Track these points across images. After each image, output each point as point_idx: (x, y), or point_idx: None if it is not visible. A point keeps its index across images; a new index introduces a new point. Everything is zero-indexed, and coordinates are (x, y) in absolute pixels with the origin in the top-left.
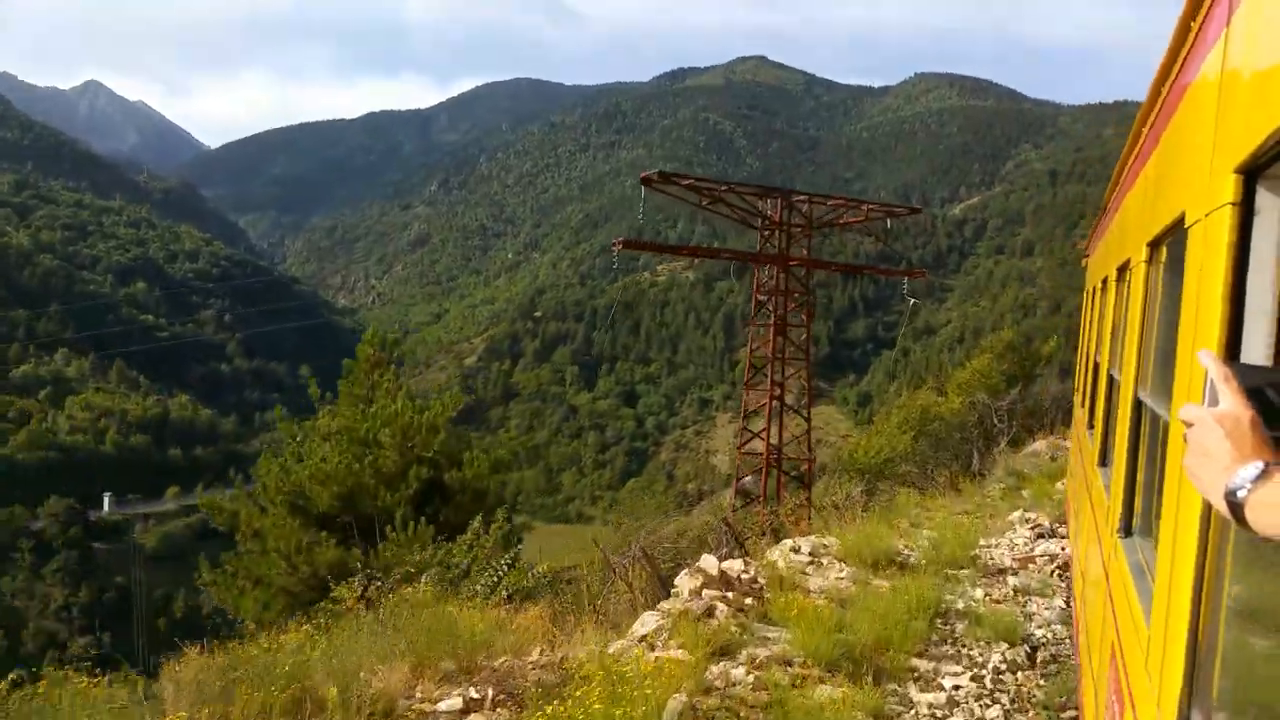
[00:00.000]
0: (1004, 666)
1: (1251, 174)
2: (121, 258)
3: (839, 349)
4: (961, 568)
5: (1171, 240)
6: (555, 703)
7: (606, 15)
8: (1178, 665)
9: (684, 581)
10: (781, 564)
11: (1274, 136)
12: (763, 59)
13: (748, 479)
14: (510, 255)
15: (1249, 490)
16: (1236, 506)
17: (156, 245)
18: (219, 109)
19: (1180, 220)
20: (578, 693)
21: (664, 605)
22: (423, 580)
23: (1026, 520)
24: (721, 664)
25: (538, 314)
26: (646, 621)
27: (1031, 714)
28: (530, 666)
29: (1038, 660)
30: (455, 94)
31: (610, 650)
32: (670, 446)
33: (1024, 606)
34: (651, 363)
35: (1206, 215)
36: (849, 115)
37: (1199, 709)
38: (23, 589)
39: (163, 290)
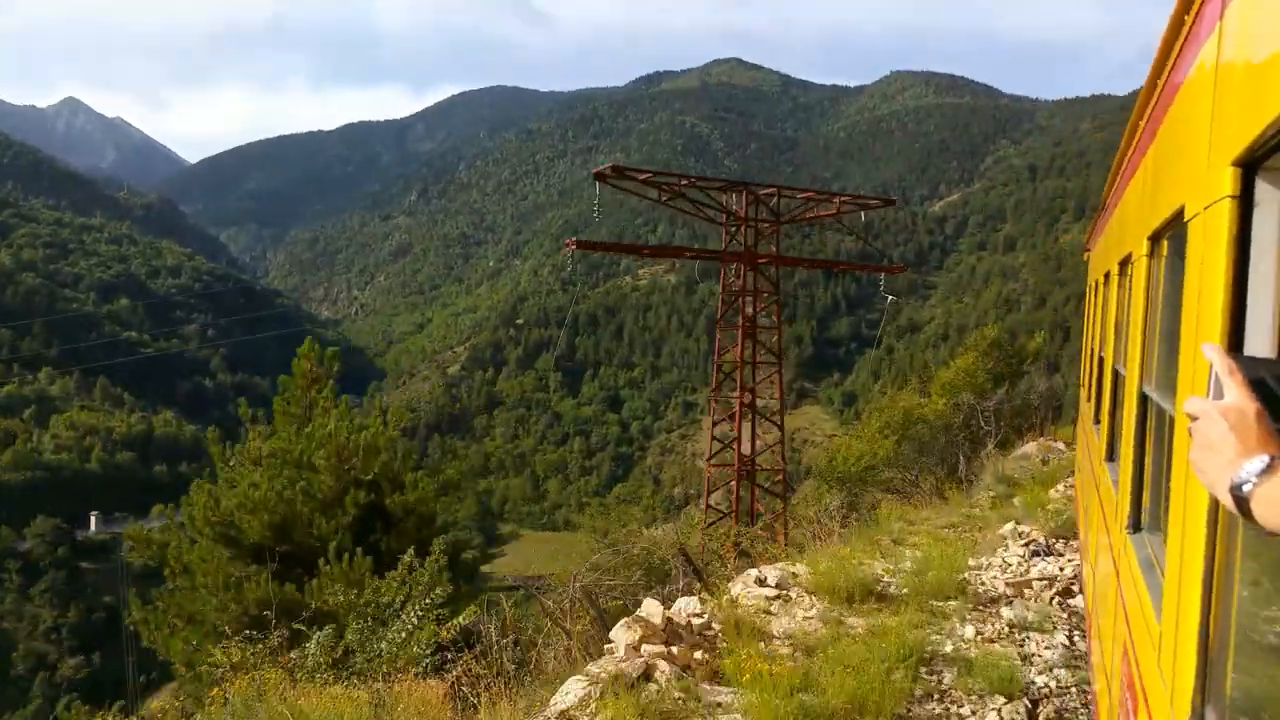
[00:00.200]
0: None
1: (1250, 167)
2: (103, 275)
3: (823, 348)
4: (949, 597)
5: (1172, 234)
6: None
7: (580, 20)
8: (1190, 661)
9: (620, 635)
10: (743, 601)
11: (1271, 129)
12: (738, 61)
13: (719, 493)
14: (492, 263)
15: (1255, 484)
16: (1242, 501)
17: (138, 261)
18: (197, 124)
19: (1180, 214)
20: None
21: (593, 668)
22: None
23: (1019, 534)
24: None
25: (520, 321)
26: (570, 691)
27: None
28: None
29: (1040, 718)
30: (431, 103)
31: None
32: (656, 451)
33: (1021, 646)
34: (635, 367)
35: (1206, 208)
36: (826, 115)
37: (1213, 705)
38: (11, 610)
39: (145, 306)
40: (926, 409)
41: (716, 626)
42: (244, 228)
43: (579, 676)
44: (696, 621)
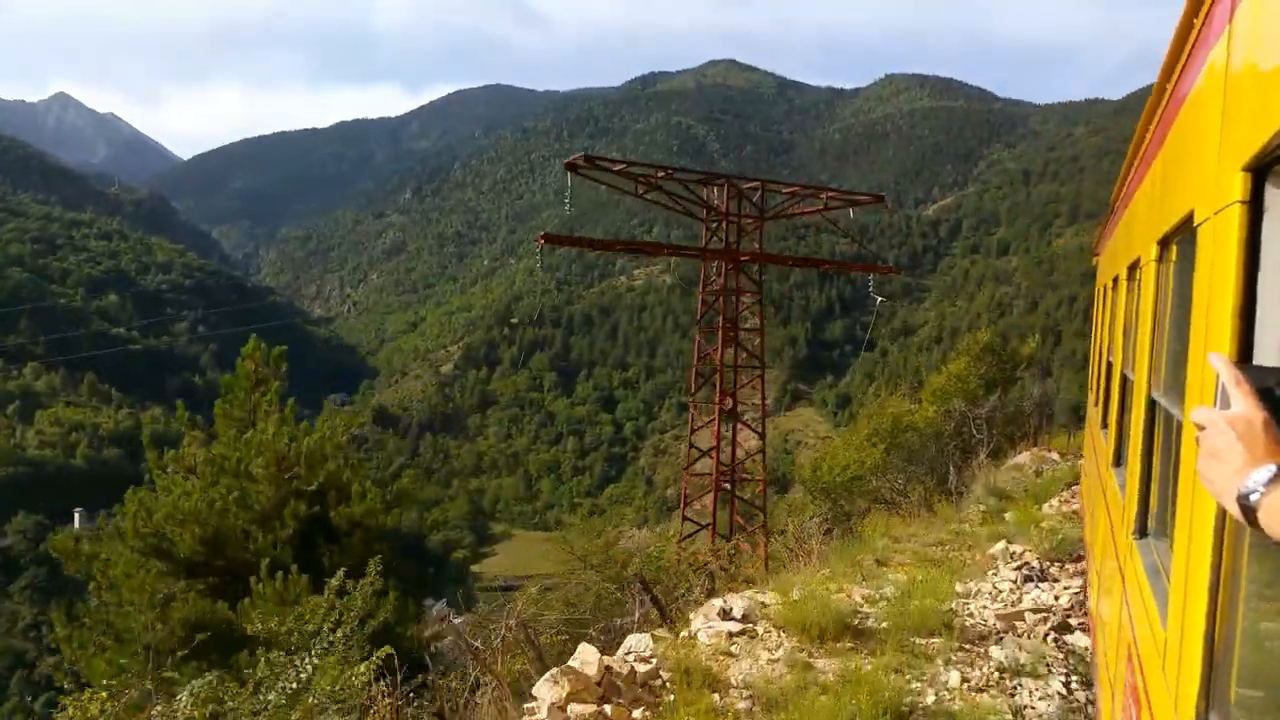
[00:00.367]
0: None
1: (1259, 172)
2: (93, 270)
3: (817, 350)
4: (933, 633)
5: (1181, 238)
6: None
7: (576, 20)
8: (1195, 668)
9: (544, 692)
10: (703, 639)
11: None
12: (733, 62)
13: (707, 498)
14: (486, 262)
15: (1262, 493)
16: (1249, 510)
17: (128, 257)
18: (190, 120)
19: (1189, 218)
20: None
21: None
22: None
23: (1010, 555)
24: None
25: (514, 320)
26: None
27: None
28: None
29: None
30: (426, 101)
31: None
32: (649, 451)
33: (1012, 695)
34: (629, 367)
35: (1215, 213)
36: (821, 118)
37: (1217, 711)
38: None
39: (135, 302)
40: (916, 416)
41: (665, 673)
42: (236, 225)
43: None
44: (642, 669)
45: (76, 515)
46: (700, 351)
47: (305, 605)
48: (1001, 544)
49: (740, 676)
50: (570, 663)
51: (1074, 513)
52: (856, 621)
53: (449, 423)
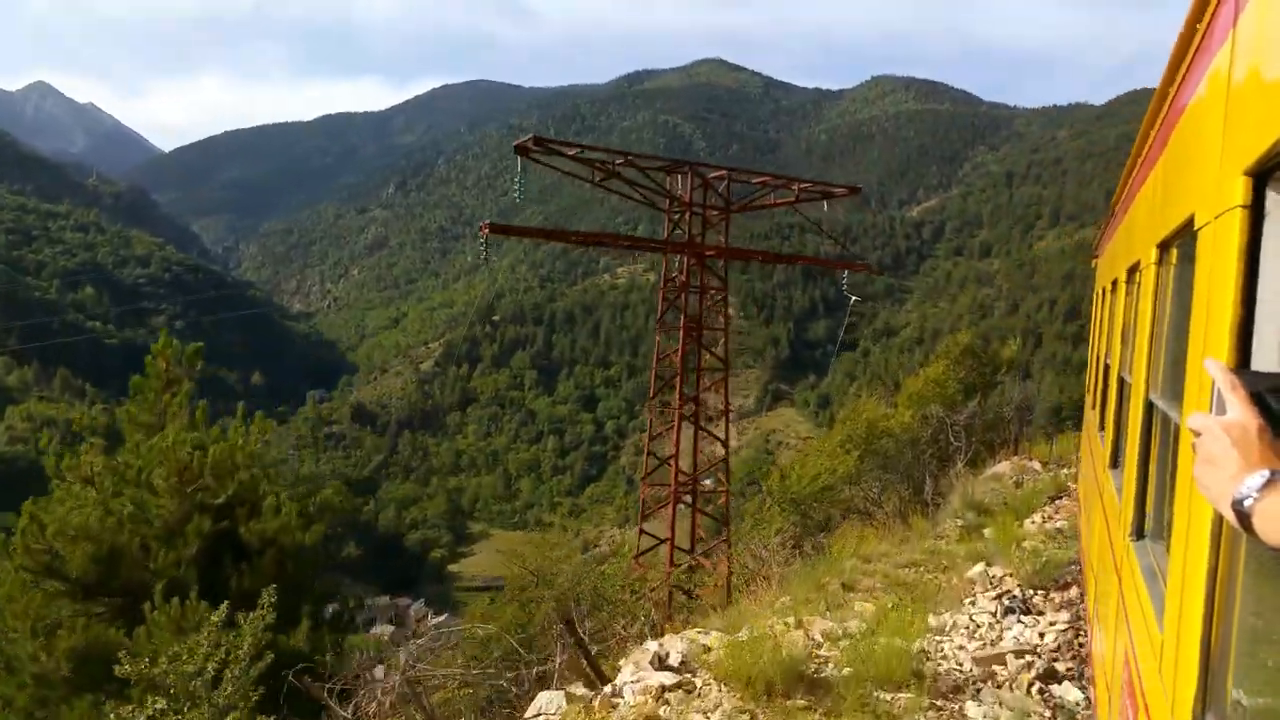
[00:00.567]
0: None
1: (1261, 177)
2: (68, 263)
3: (799, 350)
4: (900, 685)
5: (1181, 242)
6: None
7: (565, 17)
8: (1191, 670)
9: None
10: (629, 694)
11: None
12: (721, 61)
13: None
14: (469, 258)
15: (1256, 499)
16: (1244, 516)
17: (106, 250)
18: (172, 111)
19: (1190, 222)
20: None
21: None
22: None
23: (990, 580)
24: None
25: (496, 317)
26: None
27: None
28: None
29: None
30: (412, 96)
31: None
32: (630, 450)
33: None
34: (612, 366)
35: (1216, 218)
36: (808, 118)
37: (1213, 713)
38: None
39: (112, 296)
40: (892, 422)
41: None
42: (218, 218)
43: None
44: None
45: None
46: (660, 352)
47: (183, 643)
48: (980, 566)
49: None
50: None
51: (1058, 530)
52: (813, 669)
53: (428, 420)
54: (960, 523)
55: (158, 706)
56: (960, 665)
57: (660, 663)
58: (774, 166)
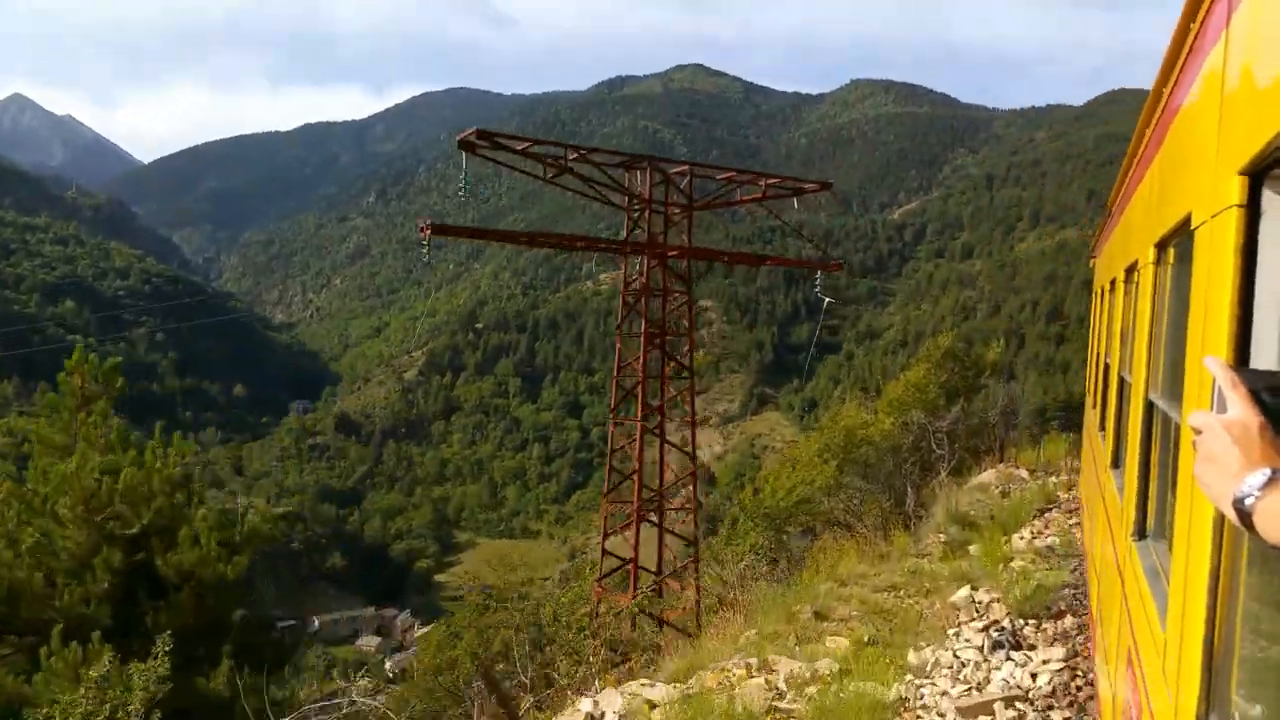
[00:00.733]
0: None
1: (1257, 176)
2: (47, 276)
3: (784, 354)
4: None
5: (1178, 242)
6: None
7: (543, 23)
8: (1194, 670)
9: None
10: None
11: (1279, 138)
12: (700, 66)
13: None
14: (451, 266)
15: (1257, 497)
16: (1245, 514)
17: (85, 263)
18: (151, 123)
19: (1186, 222)
20: None
21: None
22: None
23: (976, 607)
24: None
25: (479, 325)
26: None
27: None
28: None
29: None
30: (392, 104)
31: None
32: (617, 457)
33: None
34: (596, 372)
35: (1213, 217)
36: (788, 123)
37: (1217, 714)
38: None
39: (92, 309)
40: (872, 429)
41: None
42: (198, 229)
43: None
44: None
45: None
46: (621, 360)
47: (62, 698)
48: (965, 590)
49: None
50: None
51: (1049, 548)
52: None
53: (413, 429)
54: (944, 538)
55: None
56: (943, 716)
57: None
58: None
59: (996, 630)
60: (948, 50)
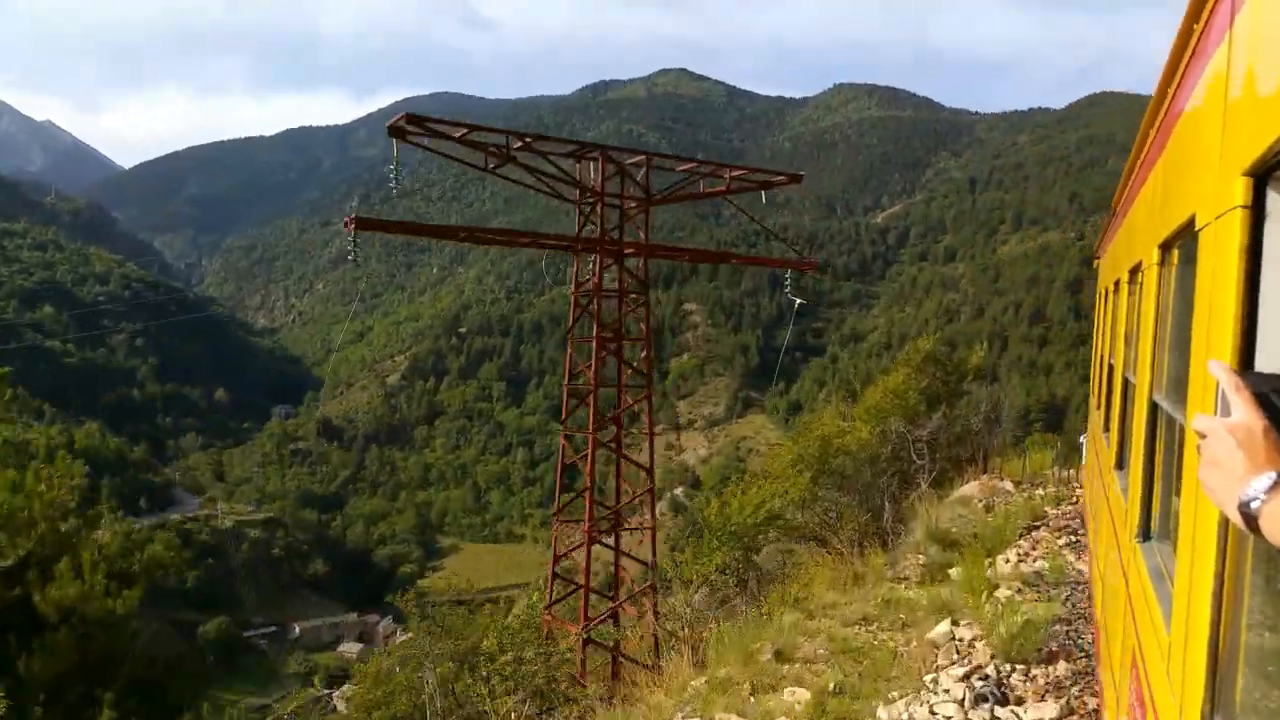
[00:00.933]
0: None
1: (1261, 177)
2: (26, 282)
3: (768, 357)
4: None
5: (1182, 243)
6: None
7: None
8: (1199, 672)
9: None
10: None
11: None
12: (684, 71)
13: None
14: (435, 270)
15: (1263, 501)
16: (1250, 518)
17: (64, 268)
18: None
19: (1190, 223)
20: None
21: None
22: None
23: (957, 646)
24: None
25: (463, 329)
26: None
27: None
28: None
29: None
30: (375, 109)
31: None
32: (601, 460)
33: None
34: (580, 376)
35: (1217, 218)
36: (771, 126)
37: (1222, 715)
38: None
39: (71, 315)
40: (848, 438)
41: None
42: (180, 234)
43: None
44: None
45: None
46: (572, 367)
47: None
48: (945, 624)
49: None
50: None
51: (1037, 574)
52: None
53: (395, 434)
54: (922, 560)
55: None
56: None
57: None
58: None
59: (980, 679)
60: (930, 54)
